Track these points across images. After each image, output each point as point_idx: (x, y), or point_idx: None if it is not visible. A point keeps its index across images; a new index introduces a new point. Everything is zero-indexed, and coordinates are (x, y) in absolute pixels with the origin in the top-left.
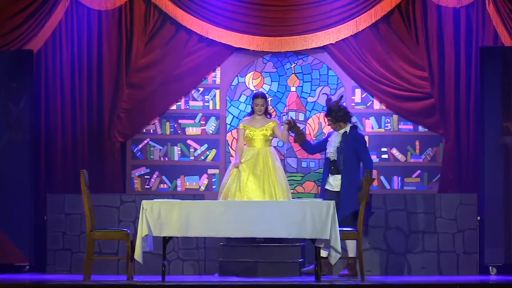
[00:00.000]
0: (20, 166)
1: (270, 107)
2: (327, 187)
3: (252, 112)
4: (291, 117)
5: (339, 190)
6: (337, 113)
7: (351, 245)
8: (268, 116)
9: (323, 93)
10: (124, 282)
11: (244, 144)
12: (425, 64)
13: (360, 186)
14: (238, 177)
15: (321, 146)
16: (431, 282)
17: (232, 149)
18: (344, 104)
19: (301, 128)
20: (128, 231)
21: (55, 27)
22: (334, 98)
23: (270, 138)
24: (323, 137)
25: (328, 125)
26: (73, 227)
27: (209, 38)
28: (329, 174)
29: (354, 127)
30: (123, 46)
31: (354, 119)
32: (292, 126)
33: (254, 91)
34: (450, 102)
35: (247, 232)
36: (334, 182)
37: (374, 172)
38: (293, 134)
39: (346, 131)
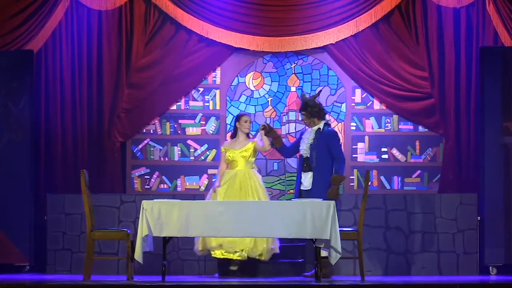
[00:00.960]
0: (20, 166)
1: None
2: (301, 187)
3: (234, 134)
4: (266, 122)
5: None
6: (312, 108)
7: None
8: (252, 138)
9: (299, 88)
10: (124, 282)
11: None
12: (425, 64)
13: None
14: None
15: (296, 146)
16: (431, 282)
17: None
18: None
19: (277, 132)
20: (128, 231)
21: (55, 27)
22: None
23: (251, 159)
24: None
25: (302, 120)
26: (73, 227)
27: (209, 38)
28: (302, 172)
29: (327, 124)
30: (123, 46)
31: (327, 117)
32: (268, 131)
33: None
34: (450, 102)
35: (247, 232)
36: (306, 180)
37: (374, 172)
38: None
39: (319, 128)
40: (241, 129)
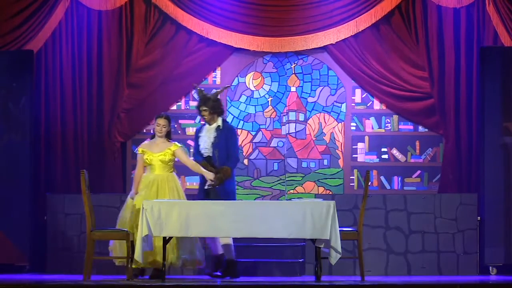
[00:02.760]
0: (20, 166)
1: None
2: (206, 186)
3: (153, 135)
4: (213, 180)
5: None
6: (215, 104)
7: (225, 241)
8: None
9: (194, 85)
10: (124, 282)
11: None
12: (425, 65)
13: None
14: (132, 208)
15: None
16: (431, 282)
17: None
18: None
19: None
20: (127, 231)
21: (55, 27)
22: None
23: (170, 163)
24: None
25: (201, 115)
26: (73, 227)
27: (209, 38)
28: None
29: (225, 121)
30: (123, 46)
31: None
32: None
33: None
34: (450, 102)
35: (247, 232)
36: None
37: (374, 172)
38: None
39: (219, 125)
40: (156, 132)
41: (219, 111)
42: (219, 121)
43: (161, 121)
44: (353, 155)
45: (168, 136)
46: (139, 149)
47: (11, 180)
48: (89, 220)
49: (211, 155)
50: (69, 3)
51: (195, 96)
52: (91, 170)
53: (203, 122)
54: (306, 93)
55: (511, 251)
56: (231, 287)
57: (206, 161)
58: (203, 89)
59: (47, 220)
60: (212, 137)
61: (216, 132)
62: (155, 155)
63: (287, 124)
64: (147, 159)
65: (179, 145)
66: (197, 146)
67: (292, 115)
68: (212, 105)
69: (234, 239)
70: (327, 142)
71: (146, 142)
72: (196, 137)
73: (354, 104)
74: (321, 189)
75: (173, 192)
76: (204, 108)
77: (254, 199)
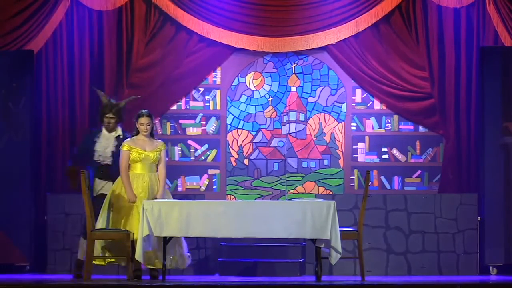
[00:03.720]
0: (20, 166)
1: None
2: (103, 191)
3: (136, 133)
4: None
5: None
6: (121, 111)
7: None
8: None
9: (94, 88)
10: (124, 282)
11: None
12: (425, 64)
13: None
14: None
15: (86, 155)
16: (431, 282)
17: (233, 149)
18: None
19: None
20: (127, 231)
21: (55, 27)
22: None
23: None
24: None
25: (105, 122)
26: (73, 227)
27: (209, 39)
28: (98, 179)
29: (124, 130)
30: (123, 46)
31: None
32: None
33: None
34: (450, 102)
35: (247, 232)
36: (105, 189)
37: (375, 172)
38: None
39: (119, 135)
40: (140, 131)
41: (122, 120)
42: (119, 131)
43: (144, 120)
44: (354, 155)
45: (152, 134)
46: (126, 146)
47: (11, 180)
48: (90, 220)
49: (110, 164)
50: (70, 3)
51: (102, 99)
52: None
53: (94, 128)
54: (307, 93)
55: (511, 251)
56: (231, 287)
57: (103, 170)
58: (106, 95)
59: (47, 220)
60: (113, 146)
61: (117, 141)
62: (146, 153)
63: (288, 124)
64: (137, 157)
65: (165, 145)
66: (89, 153)
67: (292, 115)
68: (119, 113)
69: (234, 239)
70: (328, 142)
71: (129, 139)
72: (87, 143)
73: (354, 104)
74: (321, 189)
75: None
76: (112, 116)
77: (255, 199)
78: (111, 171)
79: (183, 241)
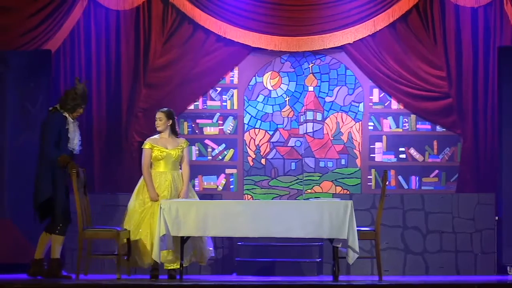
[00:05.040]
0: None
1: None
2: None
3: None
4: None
5: None
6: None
7: (57, 240)
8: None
9: (77, 78)
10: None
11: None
12: (443, 64)
13: None
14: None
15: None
16: (449, 282)
17: (250, 148)
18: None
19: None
20: (118, 229)
21: (73, 27)
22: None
23: (179, 160)
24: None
25: (78, 112)
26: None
27: (226, 38)
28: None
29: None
30: (140, 46)
31: None
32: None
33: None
34: (468, 102)
35: (265, 231)
36: None
37: (392, 172)
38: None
39: (78, 124)
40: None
41: None
42: (76, 121)
43: (157, 115)
44: (371, 155)
45: (174, 131)
46: (147, 144)
47: (28, 180)
48: (80, 218)
49: (77, 153)
50: (87, 3)
51: (78, 90)
52: (108, 170)
53: (67, 115)
54: (324, 92)
55: None
56: (249, 286)
57: (73, 160)
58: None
59: None
60: (79, 135)
61: (79, 130)
62: (168, 151)
63: (305, 124)
64: (158, 155)
65: (188, 142)
66: (59, 139)
67: (309, 115)
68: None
69: (252, 239)
70: (345, 141)
71: (151, 137)
72: (59, 129)
73: (371, 104)
74: (338, 189)
75: (184, 189)
76: (83, 106)
77: (272, 199)
78: (76, 161)
79: (206, 236)
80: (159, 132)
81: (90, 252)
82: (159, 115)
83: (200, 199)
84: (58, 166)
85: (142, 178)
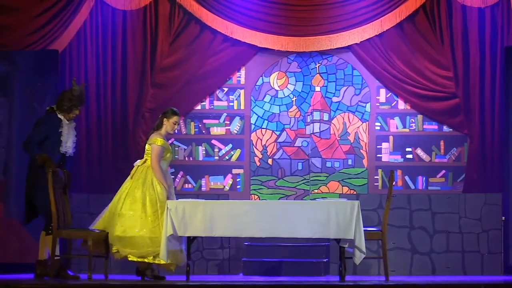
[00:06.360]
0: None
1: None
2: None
3: (157, 128)
4: None
5: None
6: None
7: (46, 241)
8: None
9: (74, 78)
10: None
11: None
12: (449, 64)
13: None
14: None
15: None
16: (456, 282)
17: (257, 149)
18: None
19: None
20: (91, 229)
21: (79, 27)
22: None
23: None
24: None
25: (73, 114)
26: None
27: (233, 38)
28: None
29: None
30: (147, 46)
31: None
32: None
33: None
34: (474, 102)
35: (271, 232)
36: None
37: (399, 172)
38: None
39: (75, 125)
40: (167, 129)
41: None
42: (73, 122)
43: (178, 119)
44: (378, 155)
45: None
46: (160, 140)
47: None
48: (55, 218)
49: (71, 155)
50: (94, 2)
51: (75, 92)
52: (116, 169)
53: (62, 117)
54: (331, 92)
55: None
56: (255, 286)
57: (62, 162)
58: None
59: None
60: (74, 137)
61: (75, 131)
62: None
63: (312, 124)
64: (169, 157)
65: None
66: (44, 140)
67: (316, 115)
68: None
69: (259, 239)
70: (352, 142)
71: (161, 135)
72: (47, 132)
73: (378, 104)
74: (345, 189)
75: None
76: (79, 107)
77: (278, 199)
78: (66, 162)
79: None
80: (157, 130)
81: (70, 251)
82: (178, 120)
83: (207, 199)
84: (37, 166)
85: (129, 178)
